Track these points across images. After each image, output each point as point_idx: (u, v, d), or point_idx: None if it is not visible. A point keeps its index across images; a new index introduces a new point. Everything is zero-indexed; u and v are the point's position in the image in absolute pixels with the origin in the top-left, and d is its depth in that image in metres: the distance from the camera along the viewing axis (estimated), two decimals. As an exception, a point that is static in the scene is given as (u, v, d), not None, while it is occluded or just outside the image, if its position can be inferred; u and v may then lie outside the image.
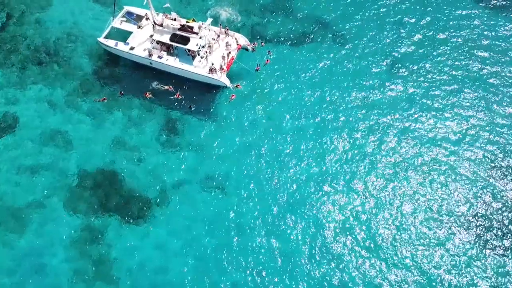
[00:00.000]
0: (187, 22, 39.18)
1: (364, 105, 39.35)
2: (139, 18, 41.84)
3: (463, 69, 41.72)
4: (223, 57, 39.06)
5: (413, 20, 45.58)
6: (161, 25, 39.08)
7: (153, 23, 39.39)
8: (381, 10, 46.48)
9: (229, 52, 39.28)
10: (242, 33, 43.91)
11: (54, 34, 43.99)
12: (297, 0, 47.15)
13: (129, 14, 42.23)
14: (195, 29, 38.69)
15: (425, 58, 42.56)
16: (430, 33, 44.41)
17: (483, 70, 41.55)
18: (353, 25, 45.41)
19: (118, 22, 41.20)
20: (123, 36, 41.50)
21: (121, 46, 39.74)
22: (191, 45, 38.19)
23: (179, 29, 38.82)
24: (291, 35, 44.29)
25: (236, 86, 38.54)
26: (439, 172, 35.66)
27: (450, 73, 41.45)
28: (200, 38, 38.59)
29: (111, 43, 40.03)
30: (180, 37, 38.61)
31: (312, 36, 44.35)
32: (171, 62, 38.77)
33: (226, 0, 47.10)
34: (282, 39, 43.94)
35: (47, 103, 39.48)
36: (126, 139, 37.55)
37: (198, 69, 38.36)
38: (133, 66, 40.86)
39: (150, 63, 39.53)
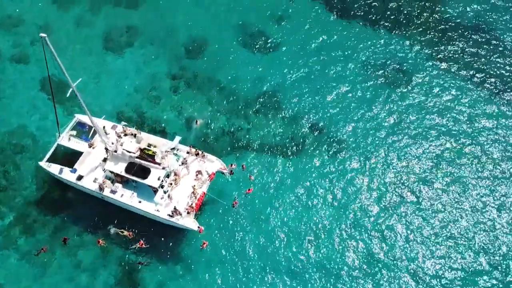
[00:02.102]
0: (147, 148, 31.48)
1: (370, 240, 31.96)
2: (92, 131, 34.27)
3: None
4: (193, 189, 31.51)
5: (424, 131, 38.06)
6: (115, 151, 31.54)
7: (105, 148, 31.92)
8: (383, 113, 38.97)
9: (200, 185, 31.72)
10: (220, 143, 36.67)
11: (-4, 142, 36.60)
12: (286, 98, 39.71)
13: (80, 125, 34.66)
14: (157, 158, 31.16)
15: (434, 181, 35.26)
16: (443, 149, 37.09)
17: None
18: (350, 129, 37.96)
19: (66, 138, 33.59)
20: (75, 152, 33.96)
21: (67, 174, 32.15)
22: (152, 180, 30.63)
23: (137, 157, 31.29)
24: (279, 145, 36.82)
25: (199, 231, 30.53)
26: None
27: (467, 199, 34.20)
28: (163, 168, 31.09)
29: (54, 169, 32.44)
30: (139, 168, 31.07)
31: (302, 145, 36.91)
32: (127, 200, 31.15)
33: (204, 96, 39.72)
34: (268, 150, 36.44)
35: (-27, 242, 32.01)
36: (70, 299, 30.03)
37: (159, 208, 30.78)
38: (87, 194, 33.15)
39: (102, 197, 31.97)
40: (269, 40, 43.08)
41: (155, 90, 40.20)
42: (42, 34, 23.87)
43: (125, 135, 33.35)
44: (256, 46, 42.77)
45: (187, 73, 41.24)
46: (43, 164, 32.72)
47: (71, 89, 27.41)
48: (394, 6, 45.41)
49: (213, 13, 44.83)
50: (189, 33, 43.64)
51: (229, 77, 40.95)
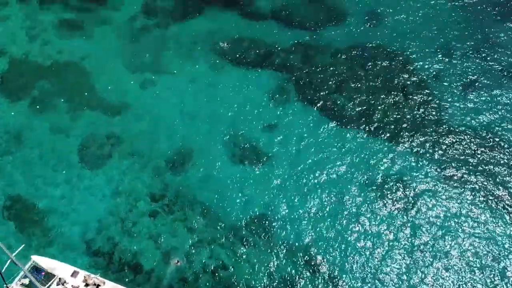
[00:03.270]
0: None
1: None
2: (49, 278, 29.16)
3: None
4: None
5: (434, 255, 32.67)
6: (70, 315, 26.35)
7: (58, 311, 26.77)
8: (385, 240, 33.70)
9: None
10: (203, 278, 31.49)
11: None
12: (277, 222, 34.63)
13: (36, 270, 29.59)
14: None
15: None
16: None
17: None
18: (348, 260, 32.79)
19: (17, 288, 28.55)
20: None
21: None
22: None
23: (95, 322, 26.06)
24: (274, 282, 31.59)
25: None
26: None
27: None
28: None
29: (-2, 333, 27.18)
30: (95, 337, 25.78)
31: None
32: None
33: (185, 222, 34.94)
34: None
35: None
36: None
37: None
38: None
39: None
40: (259, 153, 38.61)
41: (131, 214, 35.59)
42: None
43: (87, 285, 28.39)
44: (245, 160, 38.28)
45: (169, 193, 36.69)
46: (-15, 325, 27.46)
47: (9, 260, 22.63)
48: (393, 114, 41.09)
49: (199, 124, 40.88)
50: (173, 144, 39.49)
51: (215, 197, 36.24)
